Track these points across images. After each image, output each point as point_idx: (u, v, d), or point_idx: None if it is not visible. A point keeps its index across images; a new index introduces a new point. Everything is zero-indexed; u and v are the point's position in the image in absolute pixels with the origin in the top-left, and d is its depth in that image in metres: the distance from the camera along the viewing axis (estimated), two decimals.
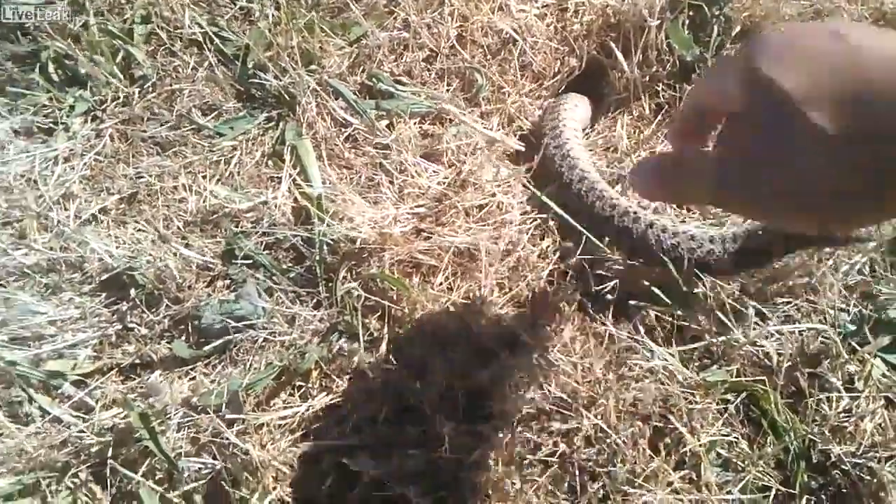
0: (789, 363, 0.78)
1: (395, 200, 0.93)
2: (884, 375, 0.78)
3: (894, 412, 0.76)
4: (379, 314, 0.85)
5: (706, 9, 1.00)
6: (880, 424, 0.75)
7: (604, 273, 0.85)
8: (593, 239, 0.85)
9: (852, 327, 0.81)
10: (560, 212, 0.88)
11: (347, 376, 0.83)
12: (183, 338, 0.87)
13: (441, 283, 0.86)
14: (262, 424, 0.79)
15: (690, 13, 1.01)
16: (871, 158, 0.35)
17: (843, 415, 0.76)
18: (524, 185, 0.94)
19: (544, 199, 0.89)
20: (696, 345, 0.80)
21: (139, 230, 0.93)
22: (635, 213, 0.86)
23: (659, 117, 1.01)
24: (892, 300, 0.80)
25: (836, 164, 0.36)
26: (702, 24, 1.01)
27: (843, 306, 0.82)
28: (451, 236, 0.88)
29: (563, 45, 1.06)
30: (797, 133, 0.36)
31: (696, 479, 0.74)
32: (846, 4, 1.00)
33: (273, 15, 1.05)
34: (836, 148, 0.35)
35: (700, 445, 0.74)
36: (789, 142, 0.37)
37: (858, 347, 0.77)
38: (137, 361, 0.86)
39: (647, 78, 1.02)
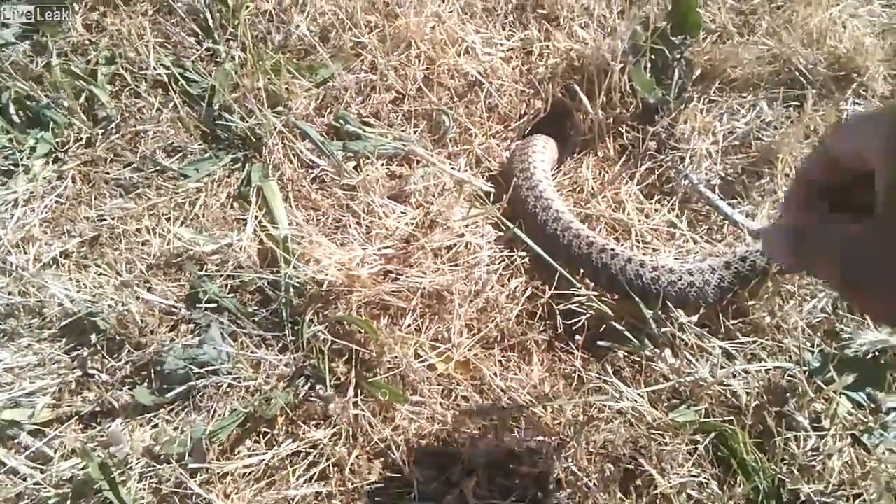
0: (756, 402, 0.78)
1: (362, 242, 0.92)
2: (849, 413, 0.78)
3: (860, 450, 0.77)
4: (346, 357, 0.84)
5: (667, 53, 1.02)
6: (847, 462, 0.75)
7: (574, 309, 0.85)
8: (566, 274, 0.85)
9: (817, 365, 0.81)
10: (533, 245, 0.88)
11: (314, 422, 0.81)
12: (145, 384, 0.84)
13: (409, 325, 0.86)
14: (227, 473, 0.77)
15: (652, 57, 1.03)
16: None
17: (810, 453, 0.76)
18: (493, 226, 0.94)
19: (518, 233, 0.90)
20: (664, 385, 0.80)
21: (101, 274, 0.91)
22: (612, 249, 0.87)
23: (623, 158, 1.02)
24: (853, 339, 0.81)
25: None
26: (663, 68, 1.03)
27: (807, 345, 0.83)
28: (419, 277, 0.88)
29: (528, 87, 1.07)
30: None
31: None
32: (801, 49, 1.03)
33: (239, 56, 1.05)
34: None
35: (670, 487, 0.74)
36: None
37: (824, 386, 0.78)
38: (98, 409, 0.84)
39: (611, 119, 1.04)
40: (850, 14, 1.08)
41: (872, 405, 0.79)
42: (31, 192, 0.97)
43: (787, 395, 0.79)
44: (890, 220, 0.32)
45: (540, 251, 0.88)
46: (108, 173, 0.98)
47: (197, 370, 0.83)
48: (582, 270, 0.87)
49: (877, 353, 0.82)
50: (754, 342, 0.83)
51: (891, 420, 0.78)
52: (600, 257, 0.86)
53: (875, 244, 0.33)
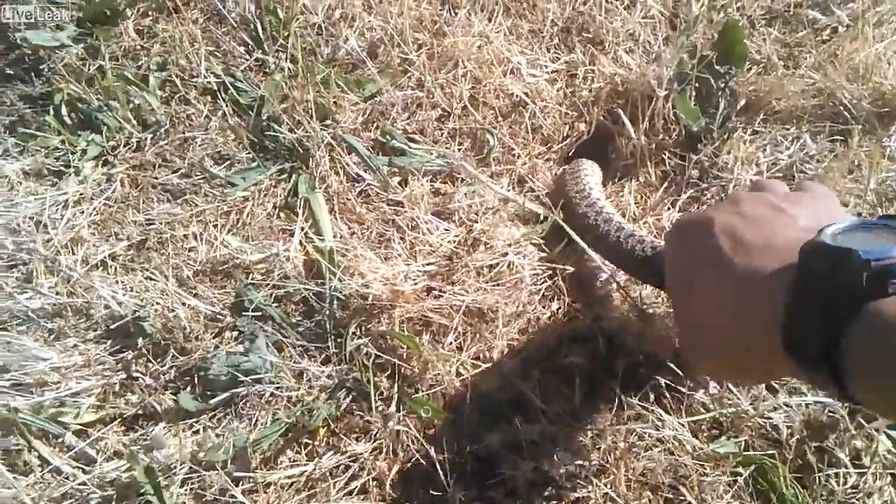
0: (797, 436, 0.79)
1: (405, 257, 0.93)
2: (889, 451, 0.78)
3: None
4: (389, 372, 0.85)
5: (713, 82, 1.03)
6: (887, 501, 0.75)
7: (613, 337, 0.86)
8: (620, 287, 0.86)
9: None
10: (583, 245, 0.89)
11: (355, 435, 0.82)
12: (188, 389, 0.85)
13: (451, 343, 0.87)
14: (270, 483, 0.78)
15: (697, 85, 1.04)
16: None
17: (850, 491, 0.76)
18: (536, 246, 0.95)
19: (579, 241, 0.89)
20: (705, 415, 0.81)
21: (148, 278, 0.92)
22: None
23: (665, 184, 1.03)
24: None
25: None
26: (708, 97, 1.04)
27: None
28: (461, 295, 0.88)
29: (572, 109, 1.09)
30: None
31: None
32: (846, 83, 1.04)
33: (289, 68, 1.06)
34: None
35: None
36: None
37: (865, 423, 0.78)
38: (141, 412, 0.85)
39: (654, 146, 1.05)
40: (894, 51, 1.08)
41: None
42: (81, 194, 0.98)
43: (828, 430, 0.80)
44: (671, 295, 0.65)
45: (584, 245, 0.88)
46: (156, 178, 1.00)
47: (241, 378, 0.84)
48: (642, 277, 0.86)
49: None
50: None
51: None
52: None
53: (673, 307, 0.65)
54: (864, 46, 1.07)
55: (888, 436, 0.79)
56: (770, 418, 0.80)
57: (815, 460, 0.77)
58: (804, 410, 0.81)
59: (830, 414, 0.80)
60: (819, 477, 0.76)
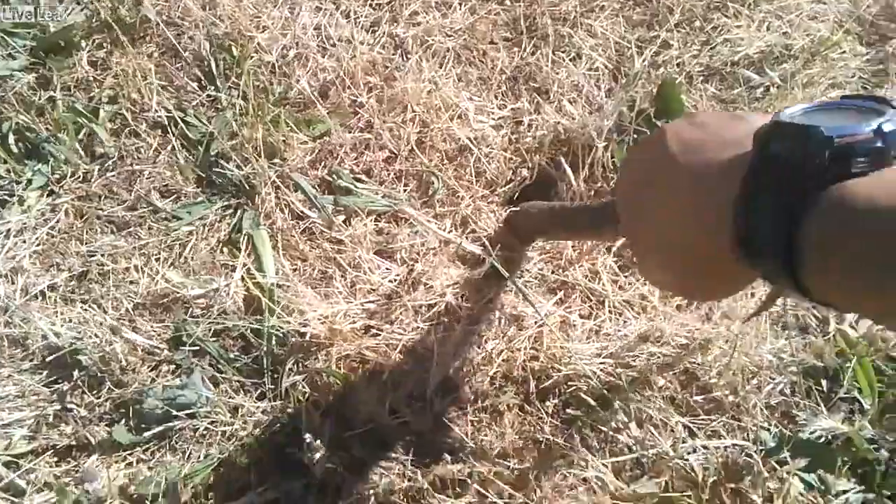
0: (714, 478, 0.82)
1: (346, 295, 0.95)
2: (801, 494, 0.82)
3: None
4: (323, 410, 0.86)
5: (649, 133, 1.08)
6: None
7: (548, 373, 0.89)
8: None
9: (773, 445, 0.86)
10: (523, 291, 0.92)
11: (287, 472, 0.83)
12: (123, 422, 0.86)
13: (386, 381, 0.88)
14: None
15: (635, 136, 1.08)
16: None
17: None
18: (474, 290, 0.97)
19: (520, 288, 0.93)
20: (627, 456, 0.84)
21: (87, 310, 0.92)
22: None
23: None
24: (808, 423, 0.86)
25: None
26: None
27: (765, 425, 0.87)
28: (399, 334, 0.91)
29: (516, 155, 1.12)
30: None
31: None
32: None
33: (240, 105, 1.09)
34: None
35: None
36: None
37: (778, 466, 0.82)
38: (74, 443, 0.85)
39: (593, 192, 1.09)
40: None
41: (822, 487, 0.83)
42: (24, 224, 0.99)
43: (744, 472, 0.83)
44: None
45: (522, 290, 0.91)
46: (101, 210, 1.00)
47: (175, 412, 0.84)
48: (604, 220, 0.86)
49: (830, 439, 0.86)
50: (715, 420, 0.87)
51: (839, 503, 0.82)
52: None
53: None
54: (794, 104, 1.13)
55: (800, 478, 0.83)
56: (689, 460, 0.83)
57: (730, 502, 0.80)
58: (722, 453, 0.84)
59: (747, 456, 0.83)
60: None
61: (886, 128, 0.38)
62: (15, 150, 1.05)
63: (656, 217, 0.50)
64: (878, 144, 0.37)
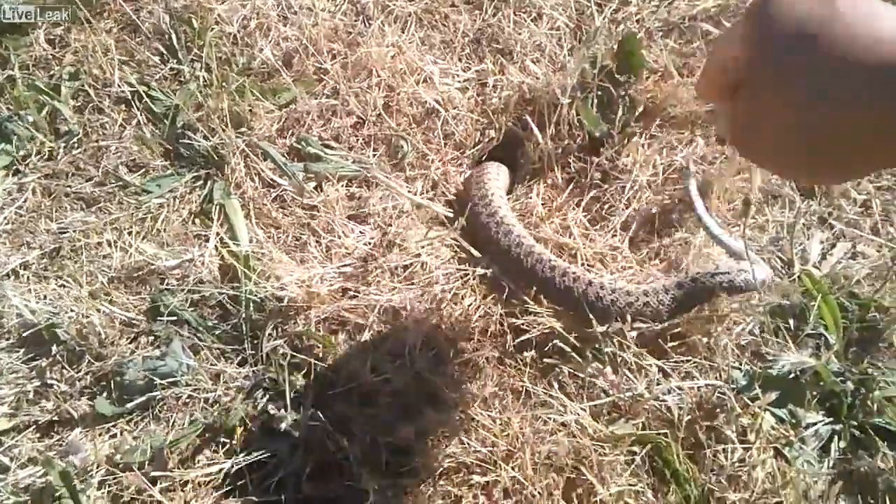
0: (689, 417, 0.84)
1: (321, 260, 0.96)
2: (773, 427, 0.85)
3: (782, 462, 0.83)
4: (304, 371, 0.87)
5: (613, 90, 1.09)
6: (770, 473, 0.82)
7: (524, 327, 0.90)
8: (524, 297, 0.91)
9: (744, 383, 0.88)
10: (494, 268, 0.94)
11: (271, 433, 0.84)
12: (104, 394, 0.86)
13: (366, 341, 0.89)
14: (187, 482, 0.79)
15: (599, 93, 1.10)
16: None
17: (737, 465, 0.82)
18: (448, 248, 0.98)
19: (476, 255, 0.94)
20: (604, 400, 0.86)
21: (62, 285, 0.92)
22: (574, 273, 0.92)
23: (570, 186, 1.08)
24: (777, 359, 0.88)
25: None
26: (609, 104, 1.10)
27: (736, 364, 0.90)
28: (376, 295, 0.91)
29: (482, 117, 1.13)
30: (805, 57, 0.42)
31: None
32: None
33: (204, 77, 1.08)
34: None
35: (610, 495, 0.79)
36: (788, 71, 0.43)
37: (750, 402, 0.85)
38: (56, 419, 0.85)
39: (560, 150, 1.10)
40: None
41: (793, 420, 0.86)
42: None
43: (717, 410, 0.86)
44: (750, 96, 0.46)
45: (501, 276, 0.94)
46: (69, 187, 1.00)
47: (157, 381, 0.85)
48: (543, 293, 0.92)
49: (798, 373, 0.89)
50: (688, 361, 0.89)
51: (808, 434, 0.85)
52: (563, 280, 0.92)
53: (745, 114, 0.47)
54: None
55: (772, 413, 0.86)
56: (664, 401, 0.85)
57: (705, 438, 0.83)
58: (695, 393, 0.86)
59: (720, 395, 0.86)
60: (708, 453, 0.82)
61: None
62: None
63: (810, 85, 0.43)
64: None
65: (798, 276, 0.97)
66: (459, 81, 1.15)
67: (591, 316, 0.88)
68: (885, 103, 0.40)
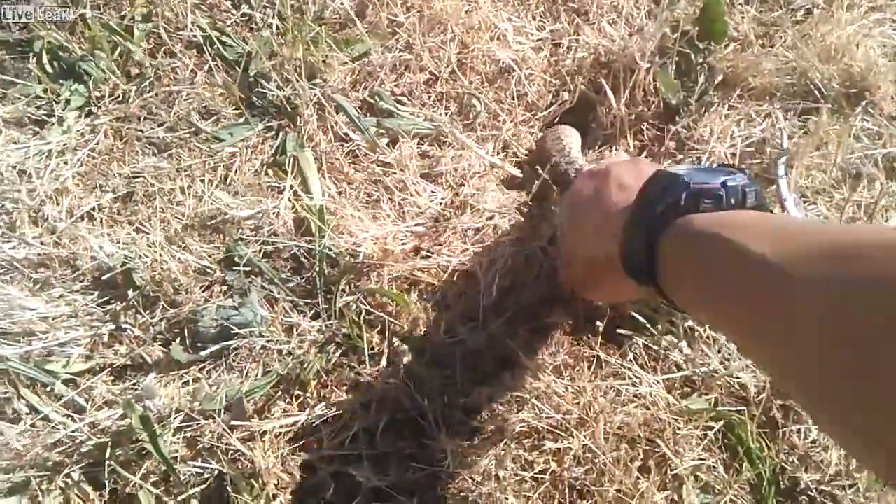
0: (764, 395, 0.84)
1: (394, 218, 0.95)
2: None
3: None
4: (378, 328, 0.87)
5: (693, 56, 1.07)
6: (843, 455, 0.81)
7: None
8: None
9: None
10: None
11: (345, 388, 0.85)
12: (178, 341, 0.86)
13: (440, 302, 0.89)
14: (265, 432, 0.80)
15: (678, 59, 1.07)
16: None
17: (810, 445, 0.82)
18: (518, 211, 0.97)
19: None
20: (678, 374, 0.86)
21: (137, 230, 0.92)
22: None
23: (643, 155, 1.06)
24: None
25: None
26: (687, 71, 1.08)
27: None
28: (448, 256, 0.91)
29: (556, 78, 1.11)
30: None
31: (678, 500, 0.79)
32: (818, 63, 1.08)
33: (277, 25, 1.06)
34: None
35: (684, 469, 0.79)
36: None
37: None
38: (129, 363, 0.86)
39: (633, 117, 1.08)
40: (864, 34, 1.13)
41: None
42: (65, 144, 0.97)
43: None
44: (561, 243, 0.84)
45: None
46: (141, 131, 0.99)
47: (232, 330, 0.85)
48: None
49: None
50: None
51: None
52: None
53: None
54: (836, 28, 1.11)
55: None
56: (739, 378, 0.85)
57: (779, 417, 0.83)
58: None
59: None
60: (783, 432, 0.82)
61: (730, 182, 0.54)
62: (49, 69, 1.02)
63: (583, 232, 0.71)
64: (720, 192, 0.53)
65: None
66: (533, 41, 1.13)
67: None
68: (608, 247, 0.62)
